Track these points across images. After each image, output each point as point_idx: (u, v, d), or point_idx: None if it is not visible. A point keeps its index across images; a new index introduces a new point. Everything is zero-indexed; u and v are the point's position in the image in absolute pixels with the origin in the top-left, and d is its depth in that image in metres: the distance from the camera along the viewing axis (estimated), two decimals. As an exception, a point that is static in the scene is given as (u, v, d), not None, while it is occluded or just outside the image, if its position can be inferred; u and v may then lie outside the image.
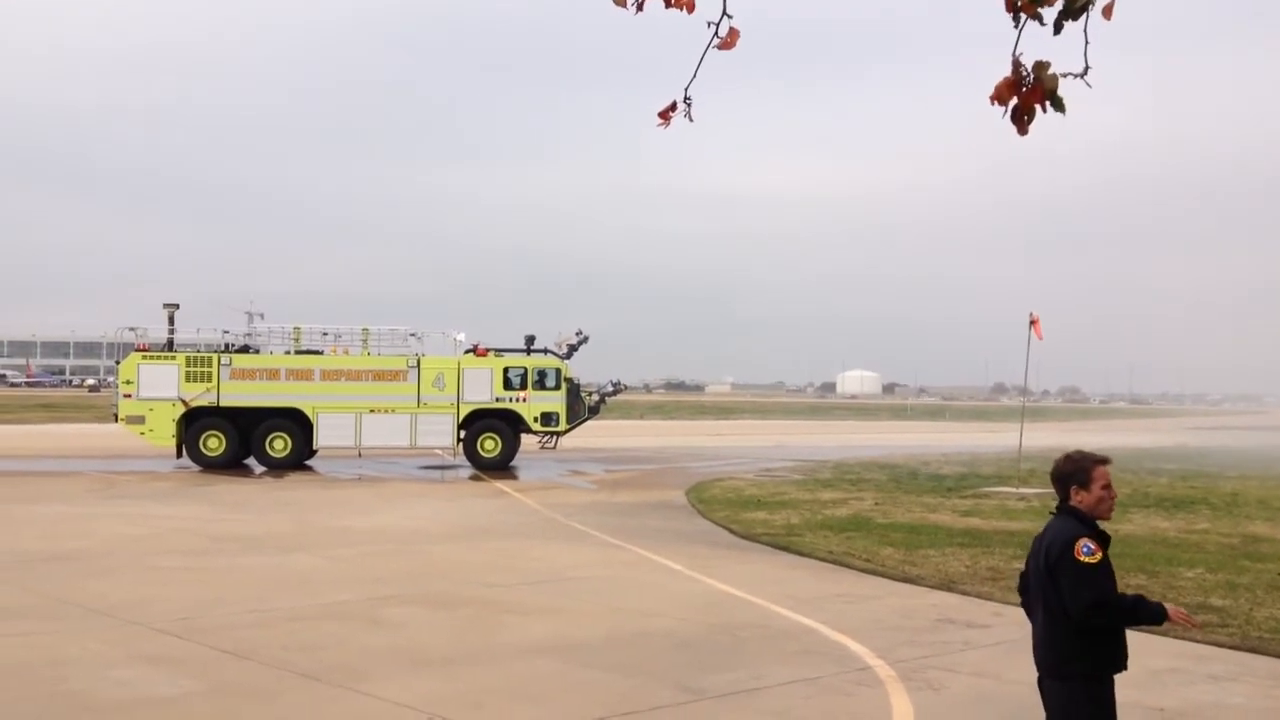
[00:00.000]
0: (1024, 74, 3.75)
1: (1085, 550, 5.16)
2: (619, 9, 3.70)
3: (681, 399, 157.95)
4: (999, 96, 3.81)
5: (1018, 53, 3.77)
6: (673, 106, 3.96)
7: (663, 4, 3.68)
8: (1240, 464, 38.46)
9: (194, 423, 31.48)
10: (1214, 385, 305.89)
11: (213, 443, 31.38)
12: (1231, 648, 10.80)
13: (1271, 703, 9.08)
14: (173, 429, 31.36)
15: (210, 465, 30.99)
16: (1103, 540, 5.29)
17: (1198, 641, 10.95)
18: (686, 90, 3.88)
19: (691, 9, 3.69)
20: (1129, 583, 11.86)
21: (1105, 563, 5.21)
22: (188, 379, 31.51)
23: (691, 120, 3.96)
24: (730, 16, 3.67)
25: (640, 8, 3.68)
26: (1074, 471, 5.39)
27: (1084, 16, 3.70)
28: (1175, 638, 11.05)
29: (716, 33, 3.71)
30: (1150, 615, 5.21)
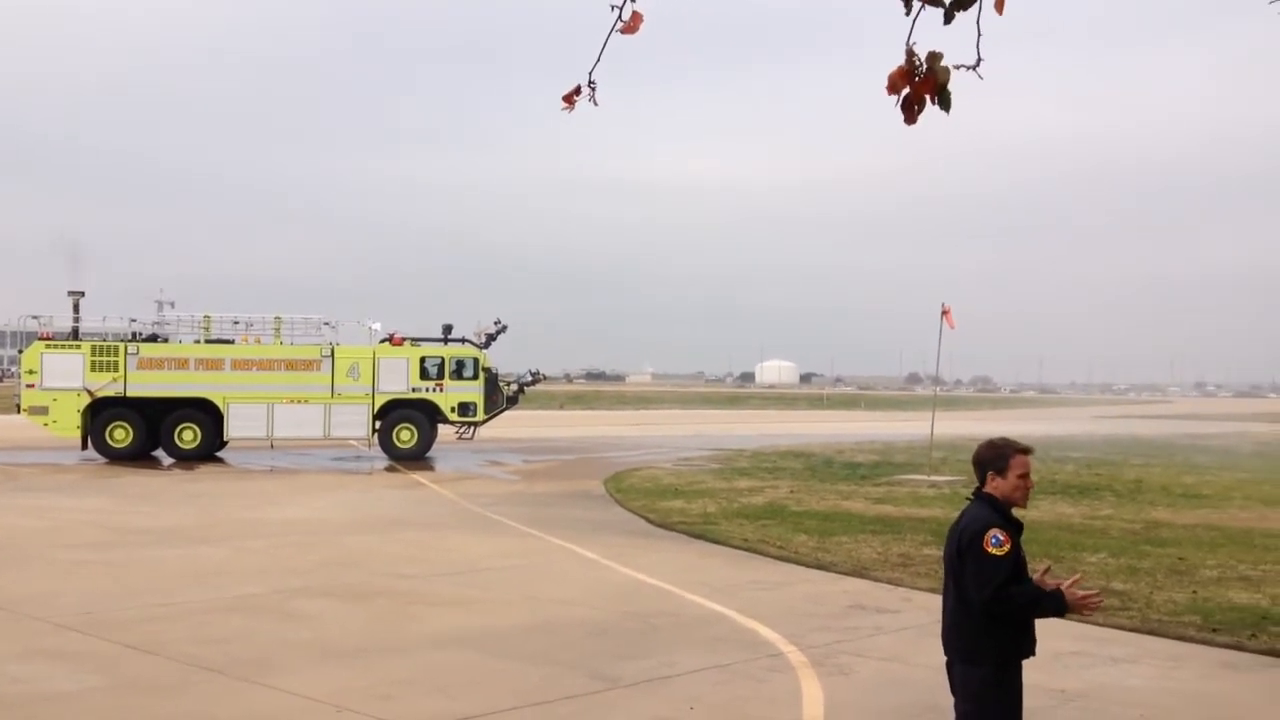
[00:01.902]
0: (917, 64, 3.78)
1: (994, 541, 5.20)
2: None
3: (602, 389, 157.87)
4: (892, 85, 3.84)
5: (912, 42, 3.81)
6: (577, 90, 3.94)
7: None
8: (1144, 452, 39.50)
9: (100, 413, 30.74)
10: (1120, 375, 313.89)
11: (119, 434, 30.66)
12: (1132, 630, 11.10)
13: (1170, 683, 9.34)
14: (77, 420, 30.57)
15: (116, 457, 30.28)
16: (1015, 529, 5.34)
17: (1099, 625, 11.23)
18: (590, 74, 3.87)
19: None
20: (1035, 568, 12.13)
21: (1013, 554, 5.24)
22: (93, 368, 30.75)
23: (596, 104, 3.94)
24: (633, 0, 3.66)
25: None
26: (993, 458, 5.44)
27: (976, 8, 3.75)
28: (1078, 621, 11.29)
29: (620, 16, 3.69)
30: (1052, 606, 5.27)
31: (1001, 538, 5.21)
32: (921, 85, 3.80)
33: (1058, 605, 5.25)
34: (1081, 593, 5.31)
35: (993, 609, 5.22)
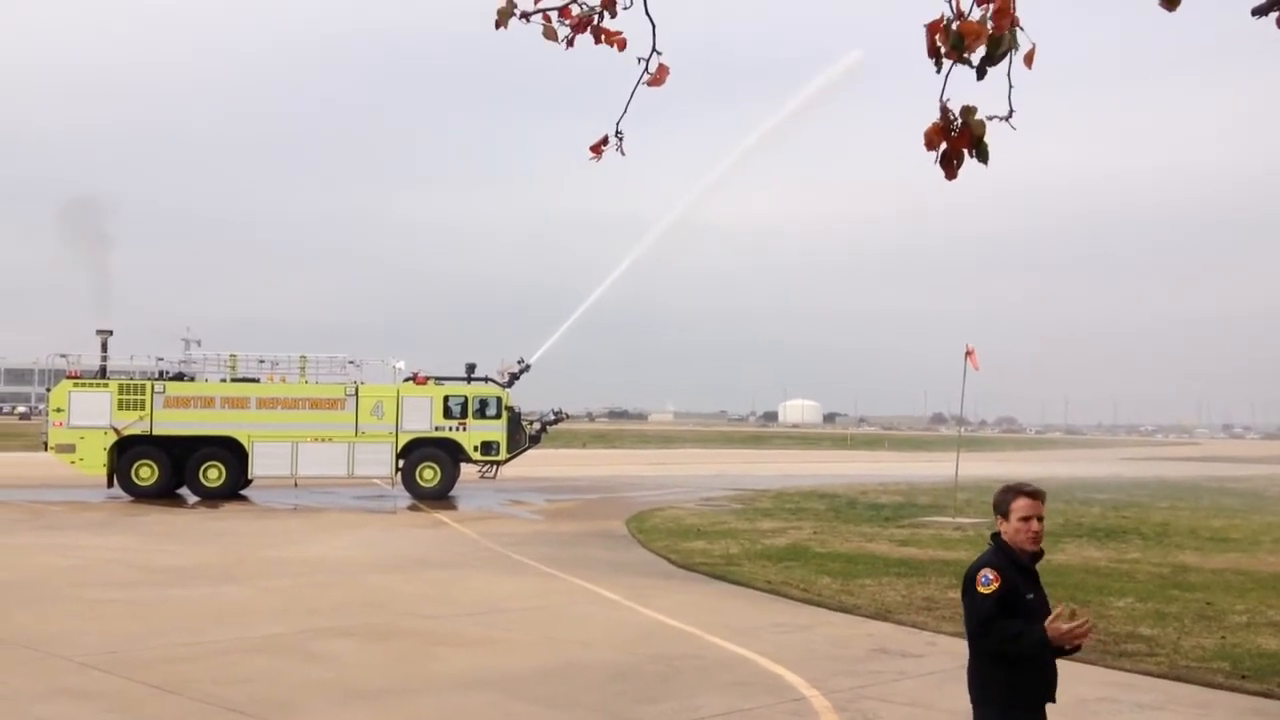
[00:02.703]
0: (952, 119, 3.83)
1: (984, 580, 5.28)
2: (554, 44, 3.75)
3: (624, 428, 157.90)
4: (929, 142, 3.89)
5: (945, 98, 3.85)
6: (604, 140, 4.00)
7: (592, 40, 3.73)
8: (1171, 494, 39.14)
9: (126, 451, 30.93)
10: (1147, 416, 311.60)
11: (145, 472, 30.83)
12: (1159, 676, 10.97)
13: (1197, 730, 9.22)
14: (104, 458, 30.76)
15: (142, 495, 30.43)
16: (1018, 570, 5.35)
17: (1126, 670, 11.14)
18: (618, 124, 3.93)
19: (623, 46, 3.74)
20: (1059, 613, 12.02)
21: (1000, 591, 5.23)
22: (120, 407, 30.97)
23: (624, 154, 4.00)
24: (659, 53, 3.73)
25: (571, 44, 3.72)
26: (999, 501, 5.53)
27: (1007, 61, 3.79)
28: (1105, 667, 11.22)
29: (646, 69, 3.75)
30: (1031, 641, 5.18)
31: (991, 576, 5.26)
32: (958, 140, 3.84)
33: (1039, 640, 5.18)
34: (1066, 626, 5.17)
35: (980, 646, 5.31)
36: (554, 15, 3.64)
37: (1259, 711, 9.81)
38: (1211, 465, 72.03)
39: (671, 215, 40.34)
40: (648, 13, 3.70)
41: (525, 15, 3.62)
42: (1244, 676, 10.87)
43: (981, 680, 5.37)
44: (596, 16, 3.68)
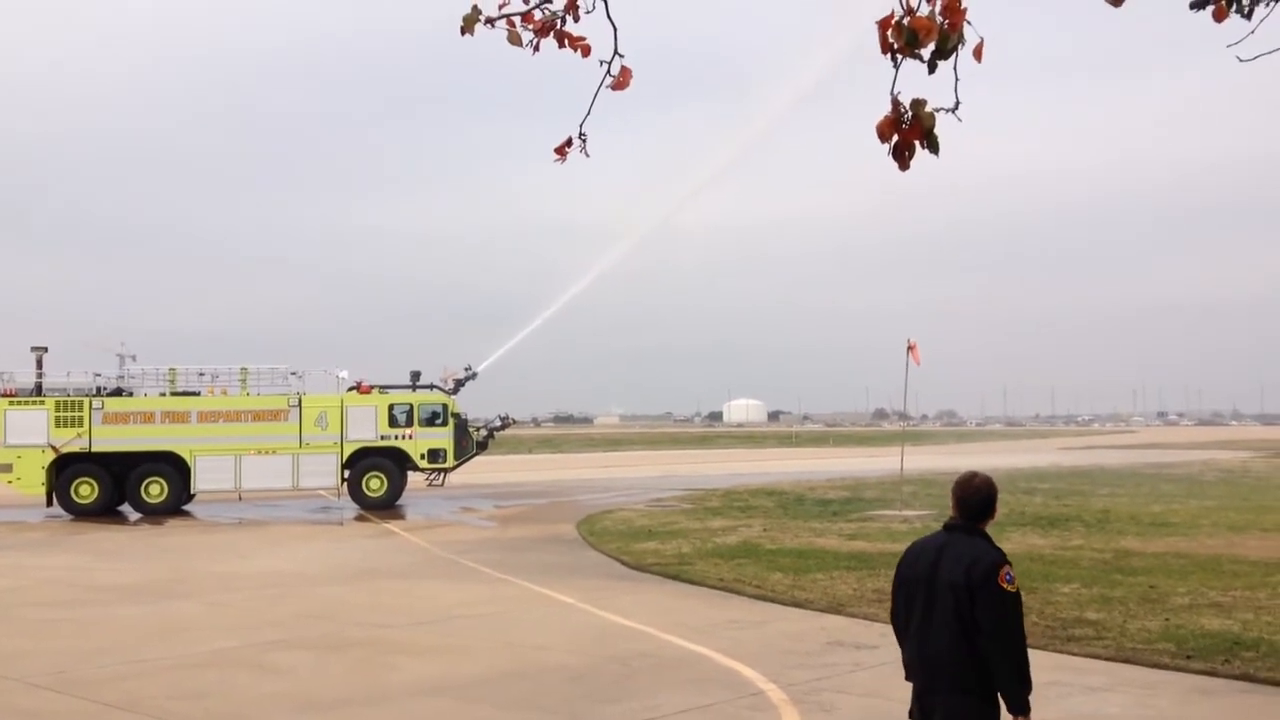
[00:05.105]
0: (903, 111, 3.92)
1: (1008, 578, 5.35)
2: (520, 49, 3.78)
3: (570, 432, 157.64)
4: (881, 133, 3.97)
5: (896, 91, 3.94)
6: (568, 142, 4.04)
7: (556, 45, 3.77)
8: (1110, 482, 39.85)
9: (65, 469, 30.41)
10: (1084, 406, 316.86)
11: (85, 489, 30.32)
12: (1108, 659, 11.20)
13: (1146, 711, 9.44)
14: (42, 476, 30.22)
15: (83, 513, 29.92)
16: None
17: (1075, 654, 11.35)
18: (581, 126, 3.97)
19: (586, 53, 3.78)
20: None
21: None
22: (58, 424, 30.46)
23: (588, 155, 4.04)
24: (621, 56, 3.77)
25: (536, 48, 3.76)
26: (995, 501, 5.65)
27: (954, 56, 3.88)
28: (1054, 651, 11.42)
29: (609, 72, 3.80)
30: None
31: (1013, 575, 5.42)
32: (909, 132, 3.93)
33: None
34: None
35: (1015, 639, 5.37)
36: (518, 20, 3.67)
37: (1204, 690, 10.04)
38: (1148, 452, 73.39)
39: (643, 227, 40.49)
40: (609, 17, 3.74)
41: (490, 21, 3.64)
42: (1189, 656, 11.12)
43: (978, 668, 5.38)
44: (559, 21, 3.72)
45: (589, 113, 3.90)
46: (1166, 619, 13.03)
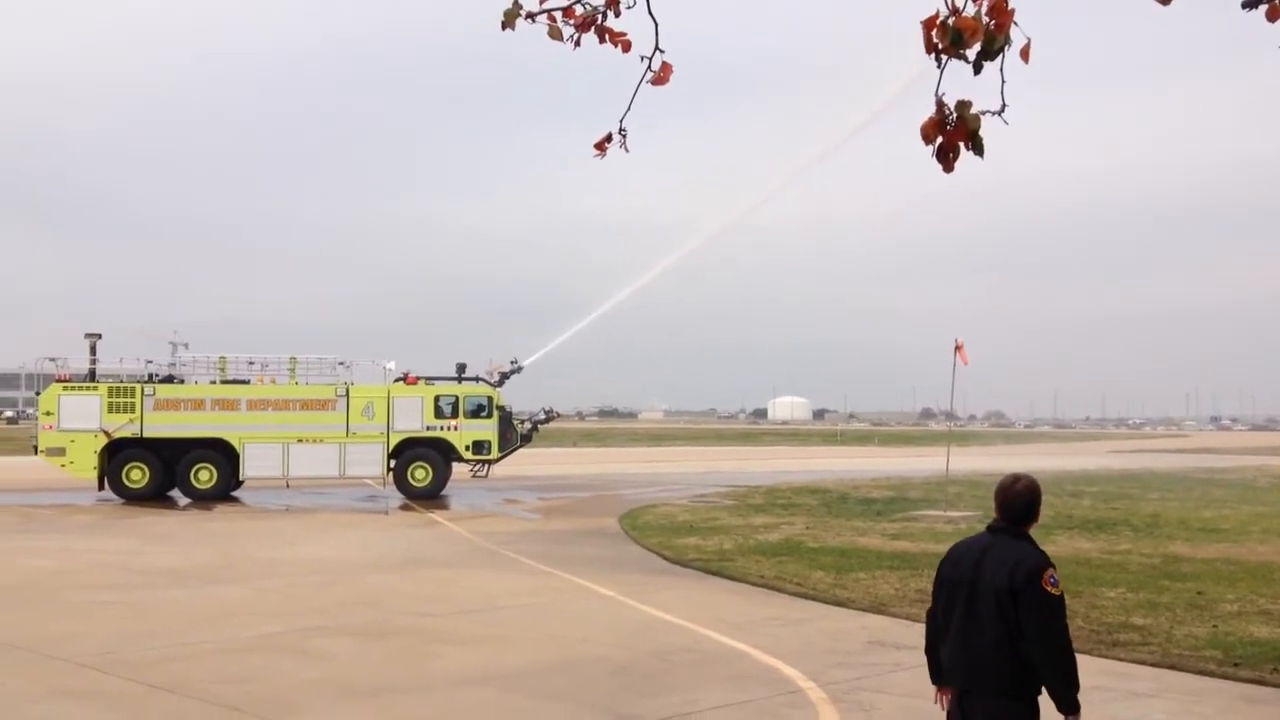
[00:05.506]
0: (947, 113, 3.89)
1: (1053, 581, 5.31)
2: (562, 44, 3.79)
3: (615, 426, 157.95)
4: (926, 135, 3.95)
5: (940, 93, 3.91)
6: (608, 138, 4.05)
7: (597, 40, 3.78)
8: (1161, 486, 39.33)
9: (116, 454, 30.89)
10: (1135, 409, 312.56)
11: (136, 474, 30.79)
12: (1153, 665, 11.06)
13: (1191, 718, 9.31)
14: (94, 461, 30.73)
15: (133, 498, 30.39)
16: None
17: (1120, 660, 11.22)
18: (621, 122, 3.97)
19: (627, 48, 3.79)
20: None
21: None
22: (110, 410, 30.93)
23: (627, 151, 4.05)
24: (662, 52, 3.77)
25: (577, 44, 3.77)
26: (1039, 500, 5.60)
27: (1001, 57, 3.85)
28: (1099, 656, 11.30)
29: (650, 67, 3.80)
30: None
31: (1057, 578, 5.38)
32: (954, 134, 3.90)
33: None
34: None
35: (1061, 641, 5.33)
36: (559, 15, 3.69)
37: (1251, 699, 9.90)
38: (1200, 457, 72.33)
39: (708, 229, 40.43)
40: (650, 12, 3.74)
41: (531, 15, 3.66)
42: (1236, 664, 10.96)
43: (1022, 672, 5.37)
44: (600, 16, 3.72)
45: (629, 108, 3.91)
46: (1214, 626, 12.86)
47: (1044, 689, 5.43)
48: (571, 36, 3.78)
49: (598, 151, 4.04)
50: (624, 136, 4.02)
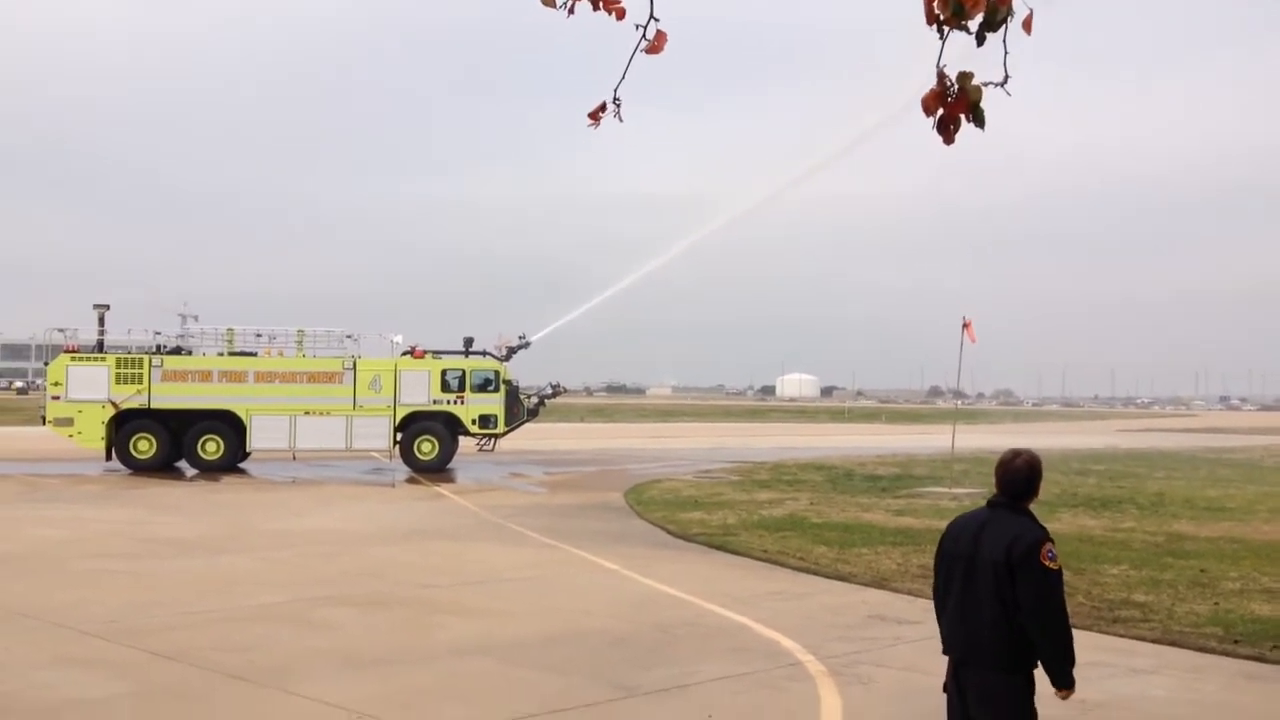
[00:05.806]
0: (949, 85, 3.87)
1: (1050, 555, 5.35)
2: (556, 12, 3.77)
3: (622, 402, 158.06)
4: (927, 107, 3.93)
5: (942, 64, 3.89)
6: (602, 107, 4.03)
7: (590, 7, 3.76)
8: (1167, 465, 39.29)
9: (124, 425, 31.01)
10: (1144, 388, 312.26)
11: (143, 445, 30.92)
12: (1154, 641, 11.09)
13: (1192, 694, 9.33)
14: (102, 431, 30.86)
15: (140, 468, 30.52)
16: None
17: (1121, 636, 11.25)
18: (615, 91, 3.96)
19: (621, 16, 3.76)
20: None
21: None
22: (118, 381, 31.02)
23: (621, 120, 4.03)
24: (657, 20, 3.75)
25: (571, 10, 3.75)
26: (1039, 476, 5.60)
27: (1004, 28, 3.82)
28: (1099, 632, 11.33)
29: (644, 36, 3.78)
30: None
31: (1055, 552, 5.42)
32: (955, 105, 3.88)
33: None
34: None
35: (1059, 617, 5.38)
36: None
37: (1251, 675, 9.92)
38: (1208, 436, 72.24)
39: (729, 210, 40.13)
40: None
41: None
42: (1236, 641, 10.98)
43: (1020, 646, 5.40)
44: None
45: (623, 78, 3.89)
46: (1216, 603, 12.87)
47: (1040, 663, 5.46)
48: (565, 4, 3.76)
49: (591, 121, 4.02)
50: (618, 106, 4.00)
